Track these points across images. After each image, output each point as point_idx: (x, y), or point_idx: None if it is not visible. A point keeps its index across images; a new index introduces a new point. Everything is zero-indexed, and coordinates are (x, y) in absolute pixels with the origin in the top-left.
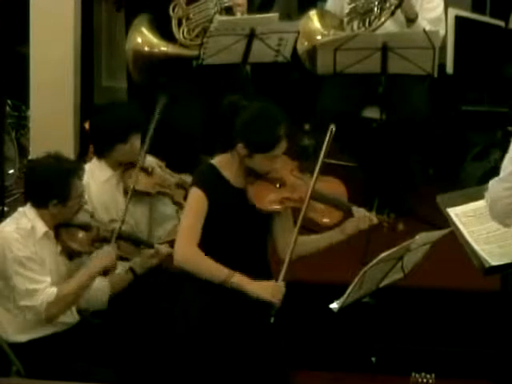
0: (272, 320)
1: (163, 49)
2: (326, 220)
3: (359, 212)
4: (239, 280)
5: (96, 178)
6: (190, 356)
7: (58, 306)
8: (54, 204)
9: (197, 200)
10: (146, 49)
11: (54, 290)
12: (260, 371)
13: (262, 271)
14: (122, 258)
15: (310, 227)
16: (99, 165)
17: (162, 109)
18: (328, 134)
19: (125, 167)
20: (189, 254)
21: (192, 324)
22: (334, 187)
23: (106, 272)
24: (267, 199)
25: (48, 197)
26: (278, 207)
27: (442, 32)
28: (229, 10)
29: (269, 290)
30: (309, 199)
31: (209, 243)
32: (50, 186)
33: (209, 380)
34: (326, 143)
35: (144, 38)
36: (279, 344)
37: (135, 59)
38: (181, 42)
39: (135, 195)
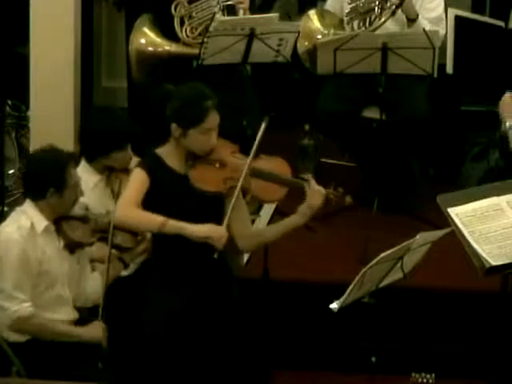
0: (216, 255)
1: (166, 48)
2: (270, 197)
3: (311, 187)
4: (173, 224)
5: (84, 182)
6: (164, 359)
7: (26, 326)
8: (51, 193)
9: (138, 178)
10: (150, 48)
11: (31, 309)
12: (238, 370)
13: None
14: (120, 249)
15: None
16: (88, 169)
17: (266, 128)
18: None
19: (110, 170)
20: (126, 211)
21: (161, 327)
22: (277, 165)
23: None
24: (208, 180)
25: (45, 186)
26: (219, 187)
27: (442, 32)
28: (231, 8)
29: (207, 229)
30: (246, 174)
31: (161, 236)
32: (47, 174)
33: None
34: (263, 127)
35: (147, 37)
36: (257, 343)
37: (138, 59)
38: (184, 41)
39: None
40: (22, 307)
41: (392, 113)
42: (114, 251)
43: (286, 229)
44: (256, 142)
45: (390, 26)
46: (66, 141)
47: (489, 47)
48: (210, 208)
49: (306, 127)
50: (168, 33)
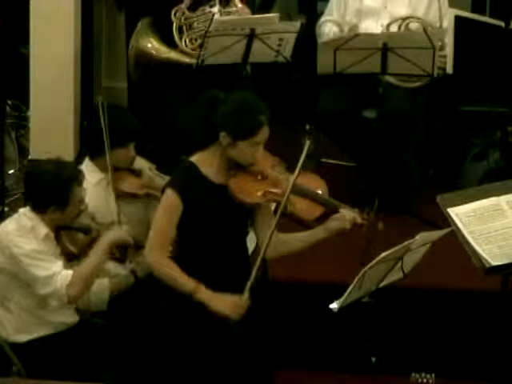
0: (236, 331)
1: (164, 55)
2: (306, 215)
3: (345, 211)
4: (202, 296)
5: (87, 180)
6: (175, 359)
7: (78, 286)
8: (52, 210)
9: (170, 202)
10: (149, 53)
11: (69, 271)
12: (243, 371)
13: (242, 268)
14: (121, 261)
15: (300, 221)
16: (91, 167)
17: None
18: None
19: (114, 169)
20: (158, 261)
21: (169, 328)
22: (316, 183)
23: (122, 258)
24: (249, 191)
25: (47, 203)
26: (260, 200)
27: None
28: None
29: (228, 307)
30: (289, 192)
31: (190, 241)
32: (49, 192)
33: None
34: (307, 144)
35: (147, 43)
36: (263, 344)
37: (137, 62)
38: (182, 50)
39: (124, 197)
40: (61, 277)
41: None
42: None
43: (310, 242)
44: (300, 160)
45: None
46: (66, 141)
47: (489, 47)
48: (241, 218)
49: (306, 127)
50: (167, 37)
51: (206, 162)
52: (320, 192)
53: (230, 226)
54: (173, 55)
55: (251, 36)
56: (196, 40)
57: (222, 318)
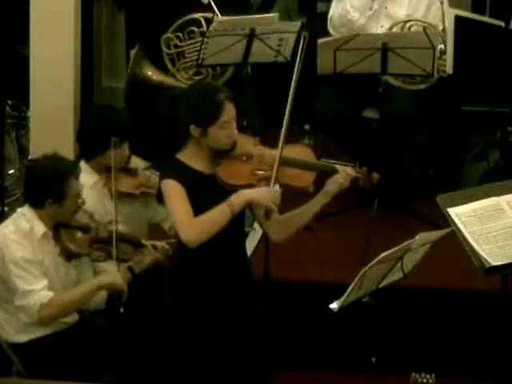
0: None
1: (158, 79)
2: (300, 182)
3: (339, 167)
4: (237, 198)
5: (82, 182)
6: (177, 358)
7: (51, 311)
8: (50, 203)
9: (174, 187)
10: (144, 77)
11: (49, 293)
12: (243, 370)
13: (240, 262)
14: (120, 260)
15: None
16: (86, 168)
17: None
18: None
19: (109, 170)
20: (194, 230)
21: (175, 326)
22: (301, 151)
23: (118, 297)
24: (238, 174)
25: (44, 196)
26: (250, 180)
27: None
28: None
29: (268, 196)
30: (278, 164)
31: None
32: (46, 185)
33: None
34: (287, 113)
35: (144, 70)
36: (263, 344)
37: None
38: (177, 78)
39: (120, 197)
40: (40, 296)
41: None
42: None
43: (312, 210)
44: (283, 131)
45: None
46: (66, 141)
47: (489, 47)
48: None
49: (306, 127)
50: (160, 62)
51: (190, 157)
52: (308, 158)
53: None
54: (167, 80)
55: (251, 36)
56: (190, 69)
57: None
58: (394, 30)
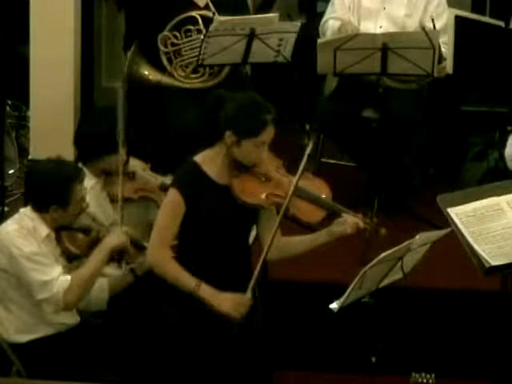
0: (235, 331)
1: (155, 78)
2: (308, 218)
3: (348, 216)
4: (204, 294)
5: None
6: (172, 358)
7: (75, 292)
8: (53, 209)
9: (173, 201)
10: (143, 78)
11: (67, 277)
12: (242, 371)
13: (244, 268)
14: (117, 261)
15: (303, 225)
16: (84, 172)
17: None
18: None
19: (107, 174)
20: (159, 259)
21: (169, 328)
22: (319, 187)
23: (120, 259)
24: (252, 192)
25: (48, 202)
26: (262, 201)
27: (444, 39)
28: None
29: (230, 304)
30: (291, 194)
31: (192, 240)
32: (50, 191)
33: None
34: (309, 146)
35: (141, 70)
36: (263, 344)
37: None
38: (174, 76)
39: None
40: (59, 283)
41: (382, 112)
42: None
43: (313, 245)
44: (302, 162)
45: (390, 28)
46: (66, 141)
47: (489, 47)
48: (244, 219)
49: (306, 127)
50: (157, 61)
51: (209, 162)
52: (323, 196)
53: (232, 226)
54: (164, 79)
55: (251, 36)
56: (187, 67)
57: (224, 316)
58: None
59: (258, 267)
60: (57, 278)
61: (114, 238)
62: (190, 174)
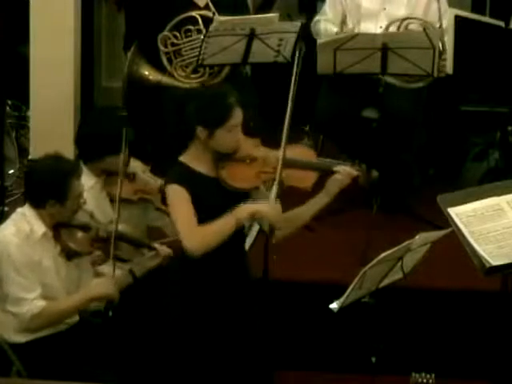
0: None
1: (155, 79)
2: (303, 183)
3: (339, 167)
4: (240, 213)
5: None
6: (172, 358)
7: (42, 321)
8: (51, 204)
9: (179, 194)
10: (141, 77)
11: (42, 303)
12: (243, 371)
13: (240, 263)
14: (121, 260)
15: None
16: (84, 171)
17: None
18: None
19: (107, 174)
20: (198, 240)
21: (174, 325)
22: (302, 152)
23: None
24: (242, 177)
25: (45, 197)
26: (255, 182)
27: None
28: None
29: (269, 207)
30: (281, 165)
31: None
32: (48, 186)
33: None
34: (287, 116)
35: (141, 69)
36: (263, 344)
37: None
38: (174, 77)
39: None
40: (32, 305)
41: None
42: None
43: (313, 210)
44: (285, 131)
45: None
46: (66, 141)
47: (489, 47)
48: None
49: (306, 128)
50: (157, 61)
51: (194, 160)
52: (310, 159)
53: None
54: (164, 79)
55: (251, 36)
56: (187, 67)
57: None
58: (391, 28)
59: (277, 179)
60: (32, 299)
61: (102, 288)
62: (180, 173)
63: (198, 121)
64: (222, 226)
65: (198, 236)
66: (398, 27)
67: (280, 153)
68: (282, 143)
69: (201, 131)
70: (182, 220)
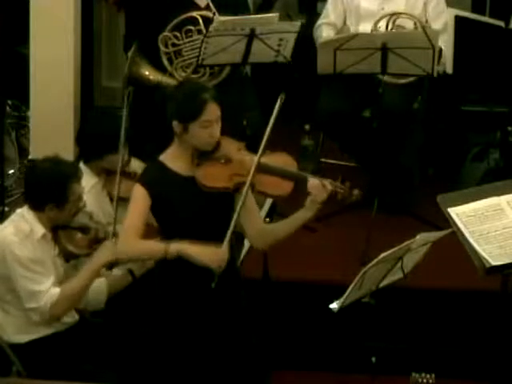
0: (213, 285)
1: (155, 79)
2: (277, 191)
3: (313, 180)
4: (177, 246)
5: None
6: (169, 358)
7: (62, 306)
8: (50, 208)
9: (138, 197)
10: (141, 77)
11: (56, 290)
12: (240, 372)
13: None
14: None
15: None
16: (85, 170)
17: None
18: (278, 102)
19: (108, 173)
20: (126, 246)
21: (168, 327)
22: (282, 159)
23: (111, 266)
24: (214, 177)
25: (45, 200)
26: (226, 183)
27: (445, 37)
28: None
29: (208, 255)
30: (254, 170)
31: (173, 235)
32: (47, 190)
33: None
34: (274, 112)
35: (141, 70)
36: (257, 343)
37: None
38: (175, 77)
39: (118, 201)
40: (48, 295)
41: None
42: None
43: (296, 224)
44: (265, 137)
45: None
46: (66, 141)
47: (489, 47)
48: (219, 207)
49: (306, 127)
50: (157, 61)
51: (172, 158)
52: (288, 167)
53: (208, 218)
54: (164, 79)
55: (251, 36)
56: (187, 67)
57: (203, 267)
58: (380, 24)
59: (233, 222)
60: (47, 289)
61: (106, 253)
62: (155, 172)
63: (174, 115)
64: (150, 249)
65: (128, 245)
66: (387, 24)
67: (256, 157)
68: (260, 148)
69: (176, 126)
70: (128, 222)
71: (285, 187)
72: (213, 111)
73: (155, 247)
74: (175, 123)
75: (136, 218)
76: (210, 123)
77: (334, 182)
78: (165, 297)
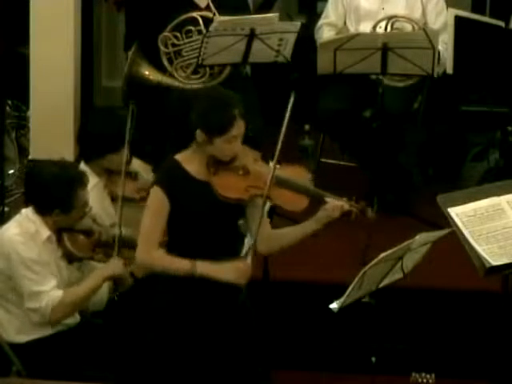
0: (242, 298)
1: (155, 79)
2: (292, 206)
3: (331, 200)
4: (202, 270)
5: None
6: (169, 358)
7: (63, 310)
8: (56, 213)
9: (156, 200)
10: (144, 78)
11: (59, 293)
12: (237, 370)
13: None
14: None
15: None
16: (87, 170)
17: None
18: (290, 102)
19: (109, 173)
20: (149, 258)
21: (170, 327)
22: (299, 174)
23: (116, 282)
24: (231, 187)
25: (52, 206)
26: (242, 195)
27: (445, 36)
28: None
29: (234, 273)
30: (271, 183)
31: (179, 238)
32: (54, 196)
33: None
34: (287, 115)
35: (142, 70)
36: (257, 343)
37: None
38: (175, 77)
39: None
40: (50, 297)
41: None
42: None
43: (303, 234)
44: (277, 148)
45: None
46: (66, 141)
47: (489, 47)
48: (230, 214)
49: (306, 127)
50: (157, 61)
51: (189, 160)
52: (304, 183)
53: (218, 223)
54: (164, 80)
55: (251, 36)
56: (188, 67)
57: (230, 284)
58: (378, 28)
59: (255, 235)
60: (49, 291)
61: (111, 268)
62: (171, 172)
63: (199, 124)
64: (175, 268)
65: (151, 257)
66: (386, 26)
67: (271, 171)
68: (273, 162)
69: (200, 135)
70: (147, 230)
71: (300, 203)
72: (239, 128)
73: (181, 266)
74: (199, 132)
75: (155, 225)
76: (235, 139)
77: (349, 202)
78: (165, 297)
